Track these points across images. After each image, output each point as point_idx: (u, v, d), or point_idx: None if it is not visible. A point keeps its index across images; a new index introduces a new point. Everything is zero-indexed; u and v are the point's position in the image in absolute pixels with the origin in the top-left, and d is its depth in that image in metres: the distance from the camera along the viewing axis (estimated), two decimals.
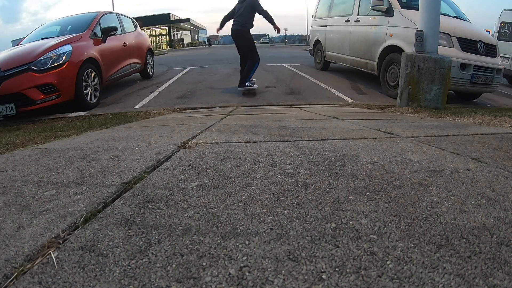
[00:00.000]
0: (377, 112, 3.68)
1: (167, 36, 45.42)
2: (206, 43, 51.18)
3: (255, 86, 5.56)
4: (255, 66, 5.39)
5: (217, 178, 1.07)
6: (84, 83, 4.57)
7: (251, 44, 5.38)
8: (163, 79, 7.37)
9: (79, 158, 1.42)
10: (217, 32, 5.83)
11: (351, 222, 0.75)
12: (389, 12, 5.29)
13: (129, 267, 0.59)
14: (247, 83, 5.41)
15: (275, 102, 4.87)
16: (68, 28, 5.50)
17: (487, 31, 7.81)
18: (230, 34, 5.43)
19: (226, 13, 5.57)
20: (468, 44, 4.82)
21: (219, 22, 5.63)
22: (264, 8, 5.26)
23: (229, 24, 5.45)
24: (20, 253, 0.65)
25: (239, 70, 5.64)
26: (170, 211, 0.83)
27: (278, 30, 5.66)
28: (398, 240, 0.66)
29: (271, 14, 5.30)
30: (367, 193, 0.92)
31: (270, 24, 5.47)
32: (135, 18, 7.80)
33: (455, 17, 5.49)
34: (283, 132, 1.93)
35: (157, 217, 0.80)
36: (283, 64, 9.59)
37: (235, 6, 5.40)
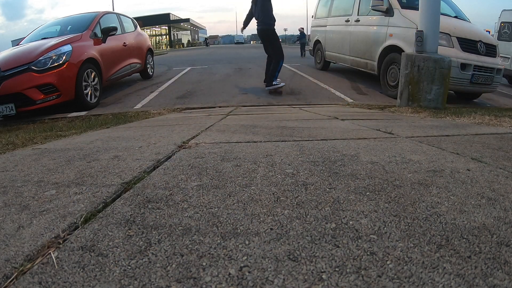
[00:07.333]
0: (377, 112, 3.68)
1: (167, 36, 45.38)
2: (204, 42, 51.35)
3: (282, 84, 5.61)
4: (280, 65, 5.47)
5: (217, 178, 1.07)
6: (84, 83, 4.57)
7: (276, 42, 5.48)
8: (163, 79, 7.37)
9: (79, 158, 1.42)
10: (242, 32, 6.09)
11: (351, 222, 0.75)
12: (389, 12, 5.29)
13: (129, 267, 0.59)
14: (274, 82, 5.50)
15: (275, 102, 4.87)
16: (68, 28, 5.50)
17: (487, 31, 7.80)
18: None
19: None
20: (468, 44, 4.82)
21: (243, 22, 5.92)
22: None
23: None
24: (20, 253, 0.65)
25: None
26: (170, 211, 0.83)
27: None
28: (398, 240, 0.66)
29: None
30: (367, 193, 0.92)
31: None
32: (135, 18, 7.80)
33: (455, 17, 5.49)
34: (283, 132, 1.93)
35: (157, 217, 0.80)
36: (283, 64, 9.59)
37: (251, 7, 5.51)
